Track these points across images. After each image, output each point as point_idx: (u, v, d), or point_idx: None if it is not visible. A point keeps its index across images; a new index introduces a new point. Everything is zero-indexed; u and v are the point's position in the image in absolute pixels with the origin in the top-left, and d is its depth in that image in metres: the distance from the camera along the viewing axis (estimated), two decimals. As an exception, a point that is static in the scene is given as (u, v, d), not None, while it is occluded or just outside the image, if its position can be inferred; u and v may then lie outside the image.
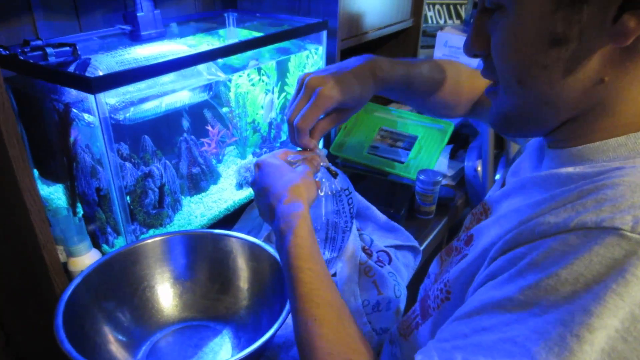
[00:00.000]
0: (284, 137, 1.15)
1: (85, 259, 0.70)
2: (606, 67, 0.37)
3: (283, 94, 1.13)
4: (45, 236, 0.66)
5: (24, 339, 0.86)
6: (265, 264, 0.69)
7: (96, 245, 0.84)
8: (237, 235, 0.71)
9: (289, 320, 0.72)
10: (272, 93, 1.09)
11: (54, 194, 0.89)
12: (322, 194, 0.69)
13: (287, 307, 0.61)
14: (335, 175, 0.69)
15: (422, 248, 0.95)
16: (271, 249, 0.69)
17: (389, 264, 0.85)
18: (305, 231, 0.54)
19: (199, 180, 0.99)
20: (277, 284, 0.66)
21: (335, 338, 0.48)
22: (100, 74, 0.75)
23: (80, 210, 0.84)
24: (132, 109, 0.77)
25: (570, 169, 0.39)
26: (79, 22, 1.01)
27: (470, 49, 0.45)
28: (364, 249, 0.87)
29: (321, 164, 0.66)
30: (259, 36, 0.92)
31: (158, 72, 0.73)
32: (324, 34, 1.09)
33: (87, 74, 0.75)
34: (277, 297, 0.65)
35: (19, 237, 0.67)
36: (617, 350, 0.30)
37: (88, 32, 1.00)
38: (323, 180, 0.68)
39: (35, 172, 0.89)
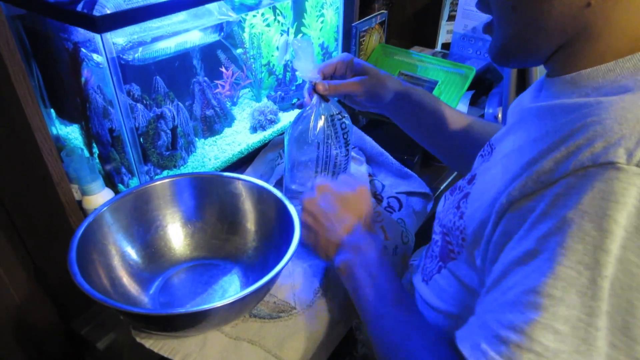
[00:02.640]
0: (299, 80, 1.13)
1: (98, 197, 0.72)
2: None
3: (299, 35, 1.09)
4: (59, 174, 0.68)
5: (52, 270, 0.91)
6: (272, 207, 0.70)
7: (112, 184, 0.86)
8: (245, 178, 0.72)
9: (294, 264, 0.73)
10: (288, 34, 1.06)
11: (71, 134, 0.91)
12: (313, 117, 0.74)
13: (293, 248, 0.62)
14: (327, 101, 0.74)
15: (434, 195, 0.94)
16: (278, 193, 0.69)
17: (399, 210, 0.85)
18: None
19: (213, 122, 0.99)
20: (284, 227, 0.67)
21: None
22: (108, 12, 0.73)
23: (95, 150, 0.86)
24: (140, 49, 0.77)
25: (564, 101, 0.40)
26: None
27: None
28: (374, 195, 0.87)
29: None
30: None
31: (166, 11, 0.71)
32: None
33: (94, 13, 0.74)
34: (284, 239, 0.66)
35: (35, 175, 0.70)
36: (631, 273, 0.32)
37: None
38: (314, 103, 0.74)
39: (53, 112, 0.90)
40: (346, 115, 0.76)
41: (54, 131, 0.92)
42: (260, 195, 0.71)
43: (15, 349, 0.94)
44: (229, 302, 0.54)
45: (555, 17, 0.40)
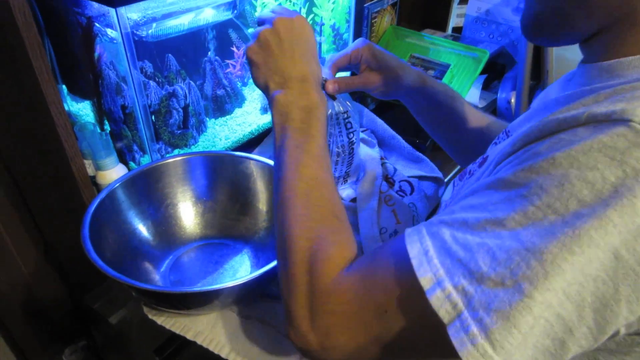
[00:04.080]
0: (311, 61, 1.11)
1: (112, 173, 0.72)
2: None
3: (311, 16, 1.08)
4: (73, 149, 0.68)
5: (62, 247, 0.92)
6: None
7: (124, 161, 0.86)
8: (257, 158, 0.72)
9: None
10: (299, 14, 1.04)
11: (83, 110, 0.91)
12: None
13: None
14: (333, 99, 0.71)
15: (446, 180, 0.93)
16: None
17: (411, 194, 0.85)
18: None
19: (224, 102, 0.99)
20: (296, 207, 0.67)
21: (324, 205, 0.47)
22: (123, -14, 0.73)
23: (107, 127, 0.86)
24: (154, 25, 0.76)
25: (596, 85, 0.37)
26: None
27: None
28: (386, 178, 0.86)
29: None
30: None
31: (180, -14, 0.71)
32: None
33: (109, -13, 0.73)
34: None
35: (49, 150, 0.70)
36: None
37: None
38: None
39: (64, 88, 0.90)
40: (352, 114, 0.74)
41: (66, 107, 0.92)
42: (271, 175, 0.71)
43: (24, 323, 0.96)
44: (241, 282, 0.54)
45: None
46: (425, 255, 0.35)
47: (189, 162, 0.71)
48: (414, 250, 0.36)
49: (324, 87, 0.69)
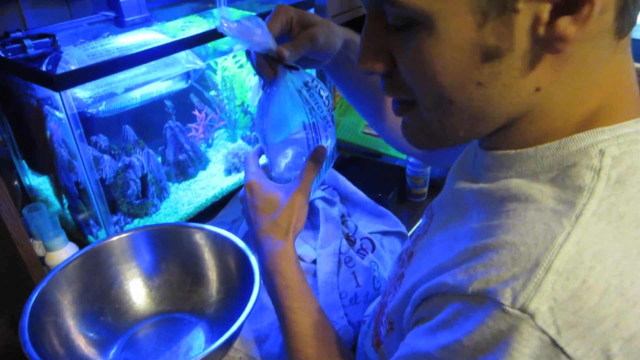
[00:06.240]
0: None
1: (62, 253, 0.71)
2: (541, 75, 0.34)
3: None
4: (19, 233, 0.67)
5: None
6: (234, 258, 0.69)
7: (83, 235, 0.86)
8: (207, 227, 0.71)
9: (262, 315, 0.72)
10: (260, 75, 1.06)
11: (43, 184, 0.91)
12: (286, 93, 0.60)
13: (252, 300, 0.61)
14: (295, 69, 0.60)
15: (409, 233, 0.92)
16: (240, 242, 0.68)
17: (372, 252, 0.84)
18: (291, 269, 0.58)
19: (187, 167, 0.99)
20: (247, 277, 0.66)
21: None
22: (72, 68, 0.74)
23: (65, 202, 0.86)
24: (104, 102, 0.77)
25: (491, 189, 0.40)
26: (69, 9, 0.99)
27: (369, 67, 0.39)
28: (347, 237, 0.85)
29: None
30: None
31: (124, 66, 0.72)
32: (312, 12, 1.05)
33: (58, 69, 0.74)
34: (247, 291, 0.65)
35: (-3, 234, 0.69)
36: None
37: (79, 18, 0.98)
38: (279, 77, 0.58)
39: (24, 163, 0.90)
40: (319, 80, 0.63)
41: (27, 181, 0.92)
42: (223, 245, 0.70)
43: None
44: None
45: (503, 106, 0.36)
46: None
47: (135, 237, 0.70)
48: None
49: (278, 58, 0.56)
